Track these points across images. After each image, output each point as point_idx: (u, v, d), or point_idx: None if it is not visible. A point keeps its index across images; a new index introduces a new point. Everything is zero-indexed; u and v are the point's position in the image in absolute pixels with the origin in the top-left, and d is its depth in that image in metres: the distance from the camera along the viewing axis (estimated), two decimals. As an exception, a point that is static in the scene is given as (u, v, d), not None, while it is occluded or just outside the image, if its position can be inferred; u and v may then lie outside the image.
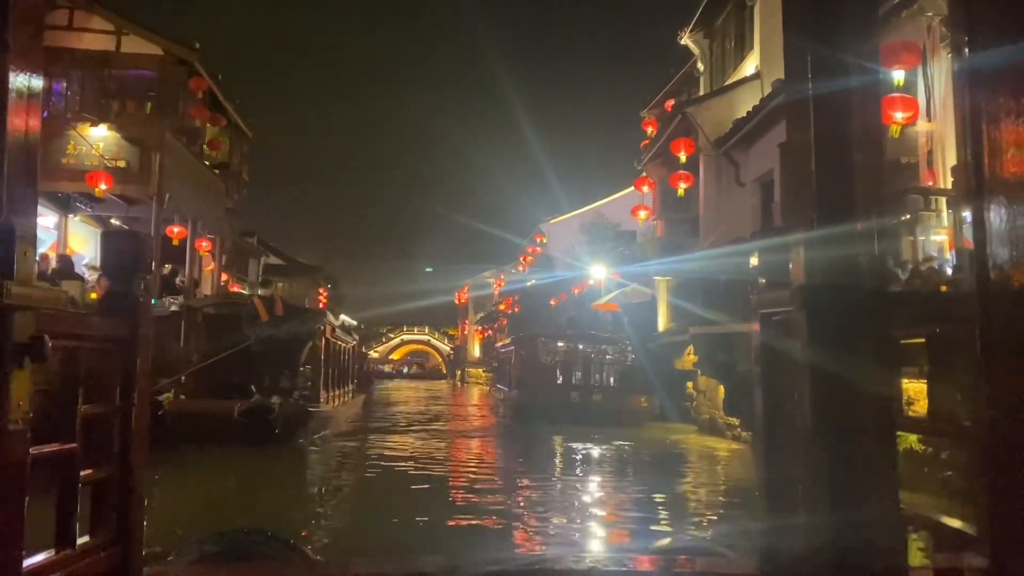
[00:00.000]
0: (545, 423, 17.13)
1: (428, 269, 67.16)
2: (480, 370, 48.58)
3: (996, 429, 0.91)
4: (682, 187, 15.82)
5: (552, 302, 30.08)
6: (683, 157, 15.83)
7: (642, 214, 20.44)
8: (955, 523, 1.16)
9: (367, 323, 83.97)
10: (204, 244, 18.09)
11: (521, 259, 34.93)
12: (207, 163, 19.82)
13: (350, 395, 19.39)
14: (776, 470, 1.58)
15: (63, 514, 1.67)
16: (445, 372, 64.94)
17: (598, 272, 25.96)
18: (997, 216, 0.99)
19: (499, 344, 32.80)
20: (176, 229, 16.04)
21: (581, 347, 21.37)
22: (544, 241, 33.81)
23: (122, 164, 14.76)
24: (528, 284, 33.72)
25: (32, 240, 1.77)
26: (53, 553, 1.61)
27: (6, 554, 1.39)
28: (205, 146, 20.05)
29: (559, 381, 20.92)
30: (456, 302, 67.32)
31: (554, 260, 32.25)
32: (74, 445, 1.75)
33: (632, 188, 33.23)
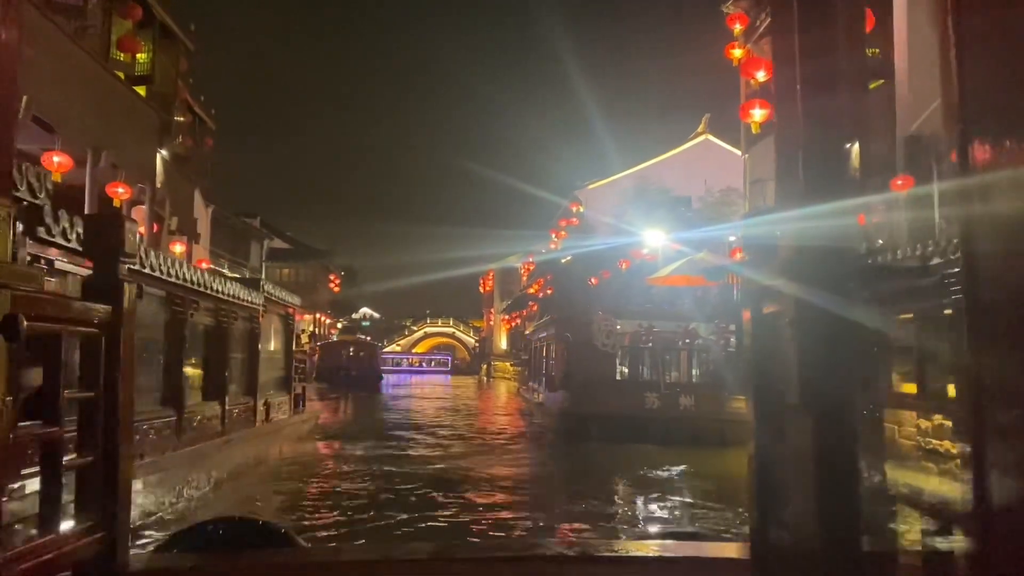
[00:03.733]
0: (605, 444, 12.84)
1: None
2: (507, 364, 48.98)
3: (981, 406, 0.98)
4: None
5: (592, 281, 28.17)
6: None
7: (757, 113, 13.96)
8: (944, 499, 1.24)
9: (388, 314, 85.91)
10: (121, 191, 13.88)
11: (553, 234, 32.56)
12: (121, 76, 15.46)
13: (261, 416, 12.61)
14: (767, 452, 1.67)
15: (47, 499, 1.82)
16: (471, 365, 65.62)
17: (654, 239, 22.15)
18: (986, 186, 1.04)
19: (530, 331, 29.85)
20: (57, 159, 11.37)
21: (656, 328, 16.71)
22: (581, 211, 32.10)
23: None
24: (563, 261, 31.49)
25: (7, 218, 1.91)
26: (36, 538, 1.76)
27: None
28: (114, 49, 15.42)
29: (622, 378, 16.58)
30: (481, 289, 67.89)
31: (595, 229, 29.87)
32: (57, 429, 1.90)
33: (685, 147, 32.17)
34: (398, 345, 78.55)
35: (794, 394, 1.52)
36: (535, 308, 37.67)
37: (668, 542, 2.49)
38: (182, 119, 20.67)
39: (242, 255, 44.59)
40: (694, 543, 2.42)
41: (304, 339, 47.23)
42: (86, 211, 11.94)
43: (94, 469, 1.98)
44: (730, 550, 2.25)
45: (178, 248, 19.30)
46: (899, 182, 11.31)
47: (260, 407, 12.95)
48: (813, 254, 1.51)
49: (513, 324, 52.40)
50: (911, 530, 1.45)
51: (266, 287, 13.66)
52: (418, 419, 22.50)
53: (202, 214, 34.04)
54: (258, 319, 12.91)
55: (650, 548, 2.36)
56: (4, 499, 1.65)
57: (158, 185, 17.64)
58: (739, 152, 26.34)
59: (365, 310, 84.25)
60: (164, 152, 18.94)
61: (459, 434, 18.33)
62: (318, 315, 61.06)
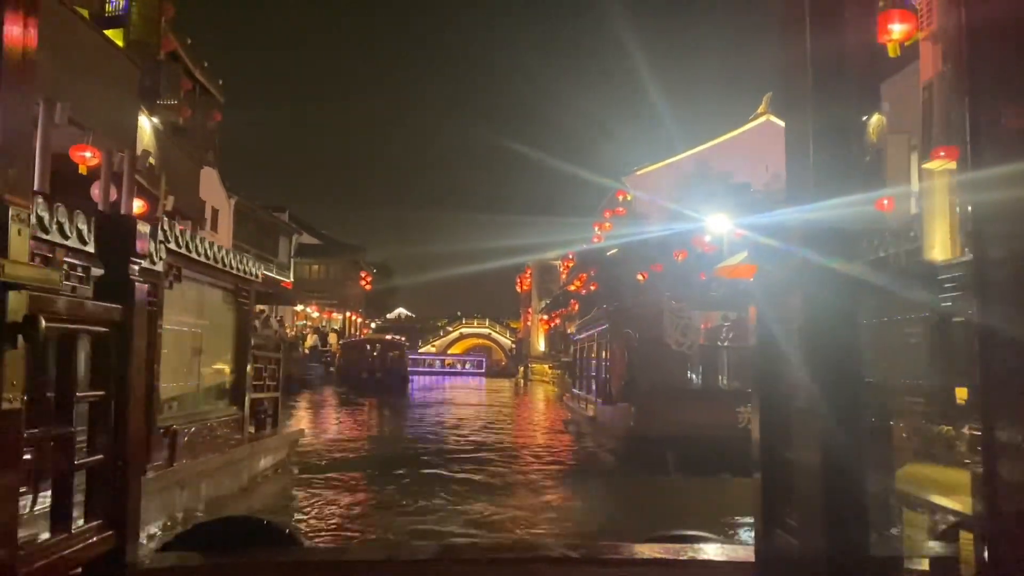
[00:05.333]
0: (689, 476, 10.62)
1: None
2: (546, 366, 48.96)
3: (992, 412, 1.03)
4: None
5: (641, 276, 25.67)
6: None
7: (897, 28, 9.57)
8: (949, 503, 1.30)
9: (423, 315, 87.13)
10: (88, 155, 12.48)
11: (596, 227, 31.72)
12: (85, 13, 13.85)
13: (163, 456, 8.22)
14: (774, 455, 1.74)
15: (59, 498, 1.97)
16: (507, 368, 65.95)
17: (718, 225, 20.58)
18: (996, 187, 1.08)
19: (573, 330, 28.31)
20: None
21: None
22: (629, 199, 31.19)
23: None
24: (609, 254, 30.25)
25: (26, 219, 2.07)
26: (48, 536, 1.91)
27: (0, 536, 1.66)
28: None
29: (700, 387, 14.11)
30: (518, 288, 68.21)
31: (645, 218, 28.44)
32: (70, 429, 2.05)
33: (744, 129, 30.94)
34: (433, 346, 79.63)
35: (801, 399, 1.59)
36: (576, 307, 37.08)
37: (672, 545, 2.58)
38: (178, 83, 18.82)
39: (269, 250, 45.29)
40: (699, 546, 2.51)
41: (332, 339, 47.90)
42: (35, 174, 10.58)
43: (104, 468, 2.13)
44: (735, 553, 2.34)
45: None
46: (942, 153, 10.07)
47: (161, 441, 8.26)
48: (823, 253, 1.56)
49: (552, 324, 52.43)
50: (917, 535, 1.51)
51: (175, 234, 8.71)
52: (444, 436, 19.10)
53: (223, 205, 34.70)
54: (153, 291, 7.88)
55: (654, 551, 2.45)
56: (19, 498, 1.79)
57: (151, 160, 15.99)
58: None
59: (400, 310, 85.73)
60: (155, 120, 17.47)
61: (495, 462, 14.41)
62: (349, 314, 61.87)
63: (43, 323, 1.80)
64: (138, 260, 2.38)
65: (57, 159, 11.70)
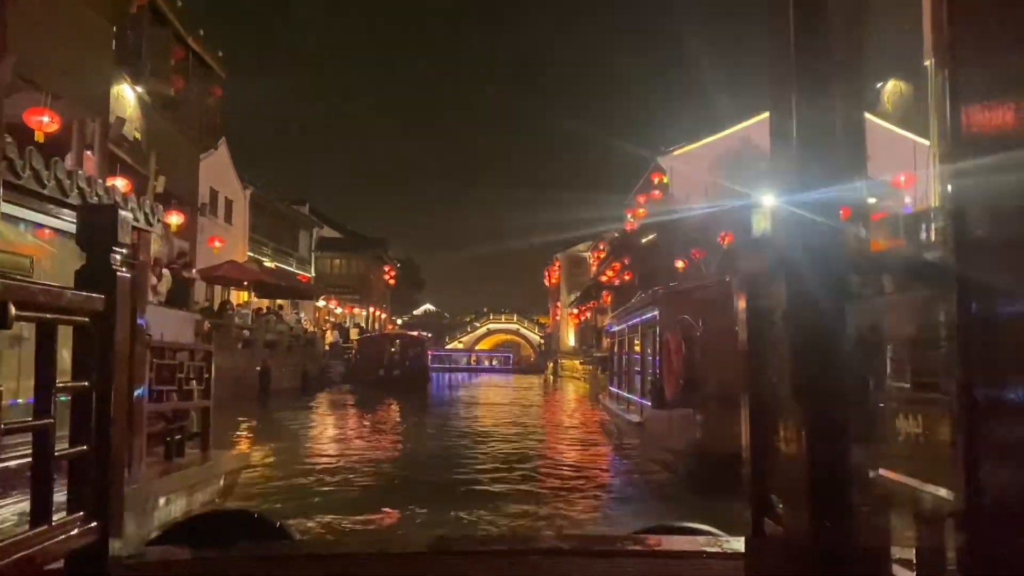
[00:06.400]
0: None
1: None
2: (576, 362, 48.87)
3: (971, 397, 1.03)
4: None
5: (680, 264, 24.90)
6: None
7: None
8: (935, 491, 1.30)
9: (451, 311, 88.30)
10: (46, 120, 11.15)
11: (629, 214, 30.69)
12: None
13: None
14: (762, 443, 1.74)
15: (38, 490, 2.01)
16: (536, 364, 66.19)
17: (769, 204, 20.64)
18: (979, 162, 1.07)
19: (610, 319, 26.03)
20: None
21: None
22: (665, 181, 30.34)
23: None
24: (644, 241, 29.06)
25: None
26: (28, 528, 1.96)
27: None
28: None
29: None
30: (546, 282, 68.34)
31: (685, 201, 27.65)
32: (50, 420, 2.09)
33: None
34: (460, 342, 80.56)
35: (787, 387, 1.59)
36: (608, 298, 36.60)
37: (663, 536, 2.61)
38: (166, 50, 17.50)
39: (288, 244, 45.70)
40: (689, 537, 2.53)
41: (354, 335, 48.29)
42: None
43: (87, 460, 2.18)
44: (726, 543, 2.37)
45: (173, 219, 16.02)
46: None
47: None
48: (809, 236, 1.55)
49: (582, 318, 52.43)
50: (904, 525, 1.51)
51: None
52: (463, 451, 16.44)
53: (238, 196, 35.06)
54: None
55: (645, 542, 2.48)
56: None
57: (136, 133, 14.65)
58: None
59: (427, 306, 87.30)
60: (140, 89, 16.52)
61: (527, 494, 11.58)
62: (372, 309, 62.30)
63: (12, 311, 1.84)
64: (120, 249, 2.42)
65: (10, 129, 9.36)
